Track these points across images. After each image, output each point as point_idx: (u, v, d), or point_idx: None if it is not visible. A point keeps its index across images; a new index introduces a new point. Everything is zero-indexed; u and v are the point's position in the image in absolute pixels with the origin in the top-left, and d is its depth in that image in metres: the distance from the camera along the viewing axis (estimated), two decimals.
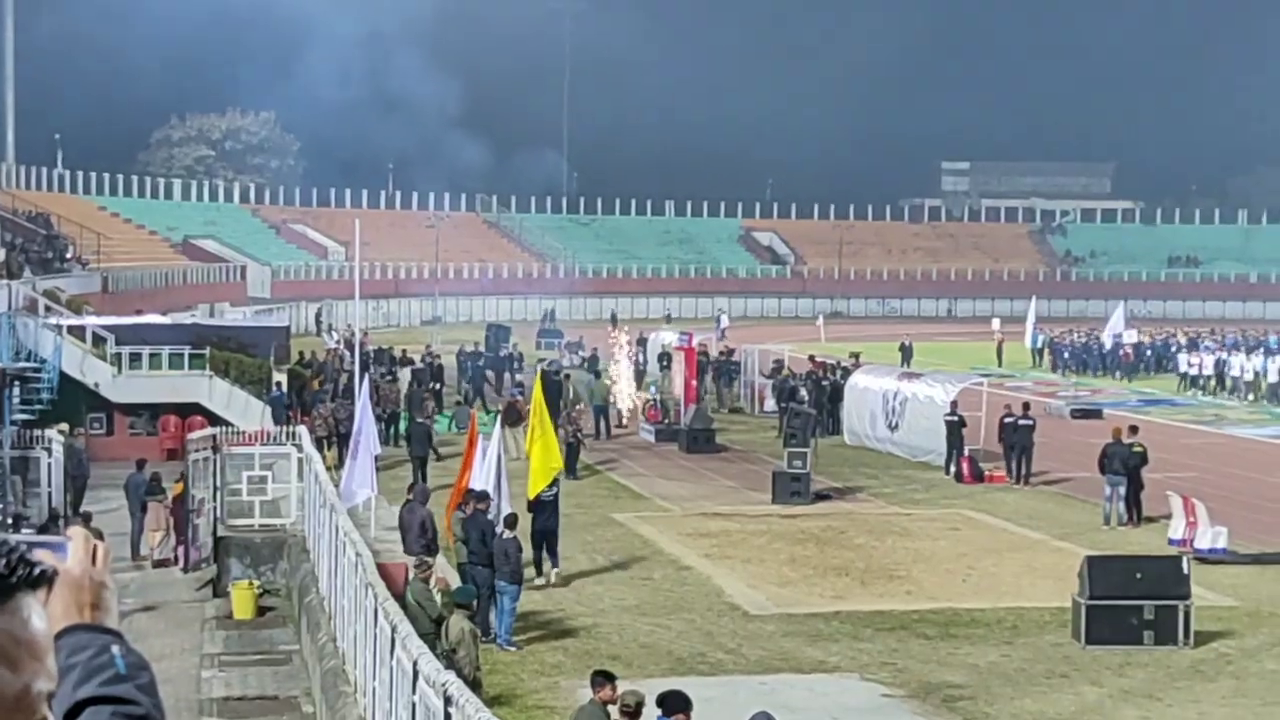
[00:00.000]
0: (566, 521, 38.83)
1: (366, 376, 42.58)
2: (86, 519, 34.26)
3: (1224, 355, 76.00)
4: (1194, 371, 75.63)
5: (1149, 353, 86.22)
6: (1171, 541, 35.50)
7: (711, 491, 45.75)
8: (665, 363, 68.94)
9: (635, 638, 28.10)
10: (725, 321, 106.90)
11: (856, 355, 66.91)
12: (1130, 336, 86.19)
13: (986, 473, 47.30)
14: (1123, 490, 39.68)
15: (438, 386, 62.01)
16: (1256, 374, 71.51)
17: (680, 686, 18.72)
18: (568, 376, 61.28)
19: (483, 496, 29.92)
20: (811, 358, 67.87)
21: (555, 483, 33.63)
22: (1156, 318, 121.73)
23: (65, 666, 2.83)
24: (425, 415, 49.95)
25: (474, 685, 19.31)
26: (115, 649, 2.90)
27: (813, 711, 23.75)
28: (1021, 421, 46.92)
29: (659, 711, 17.16)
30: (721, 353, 72.29)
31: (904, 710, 24.08)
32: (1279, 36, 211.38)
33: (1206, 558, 34.20)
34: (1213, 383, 74.25)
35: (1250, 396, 70.93)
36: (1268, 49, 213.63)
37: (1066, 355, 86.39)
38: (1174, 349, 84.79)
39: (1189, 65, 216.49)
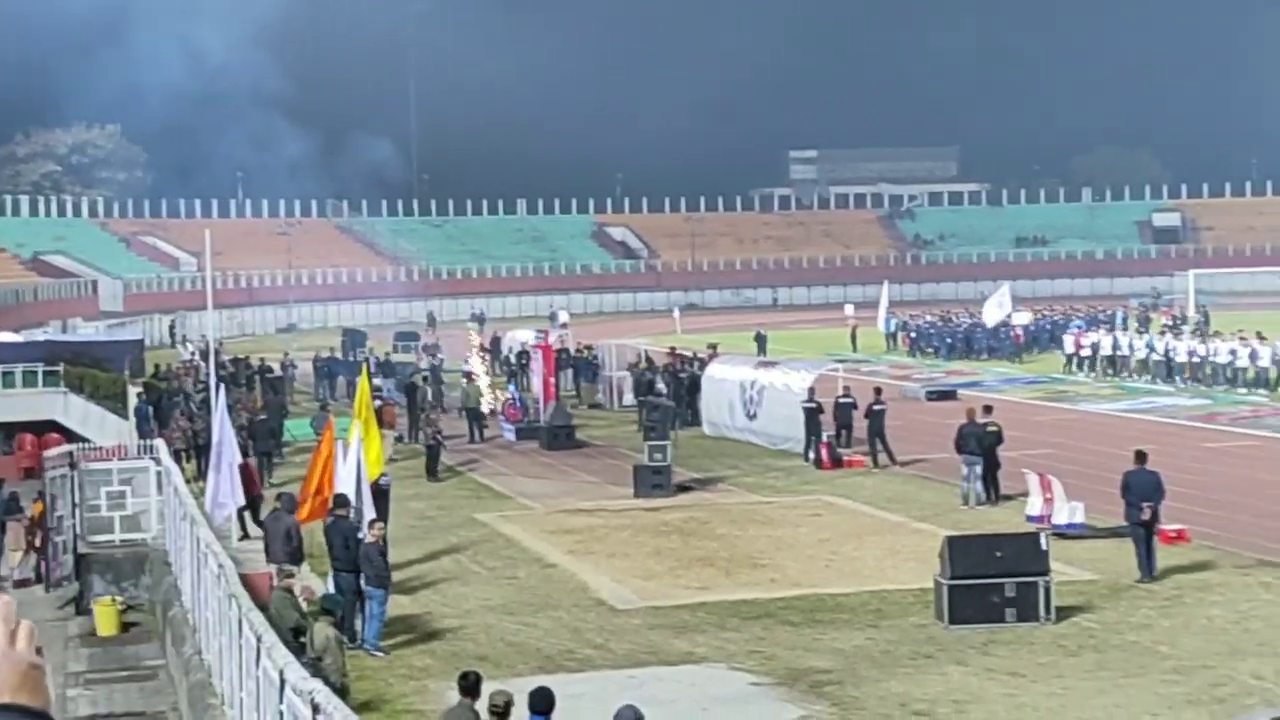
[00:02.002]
0: (429, 524, 39.06)
1: (223, 387, 42.27)
2: None
3: (1118, 335, 75.50)
4: (1085, 352, 73.81)
5: (1040, 333, 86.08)
6: (1029, 518, 35.86)
7: (573, 488, 45.79)
8: (524, 361, 68.85)
9: (502, 637, 28.11)
10: (564, 317, 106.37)
11: (714, 346, 67.18)
12: (1021, 318, 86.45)
13: (845, 458, 47.67)
14: (979, 470, 40.11)
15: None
16: (1150, 351, 69.93)
17: (549, 684, 18.77)
18: (425, 379, 61.18)
19: (343, 502, 29.74)
20: (672, 350, 68.11)
21: (385, 471, 33.93)
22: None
23: None
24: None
25: (341, 692, 19.28)
26: None
27: (682, 703, 23.86)
28: (875, 406, 47.26)
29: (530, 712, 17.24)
30: (579, 349, 72.33)
31: (772, 698, 24.22)
32: (1118, 15, 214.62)
33: (1065, 533, 34.64)
34: (1098, 361, 72.76)
35: (1148, 376, 69.02)
36: (1106, 27, 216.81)
37: (949, 340, 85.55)
38: (1052, 328, 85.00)
39: (1029, 46, 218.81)
